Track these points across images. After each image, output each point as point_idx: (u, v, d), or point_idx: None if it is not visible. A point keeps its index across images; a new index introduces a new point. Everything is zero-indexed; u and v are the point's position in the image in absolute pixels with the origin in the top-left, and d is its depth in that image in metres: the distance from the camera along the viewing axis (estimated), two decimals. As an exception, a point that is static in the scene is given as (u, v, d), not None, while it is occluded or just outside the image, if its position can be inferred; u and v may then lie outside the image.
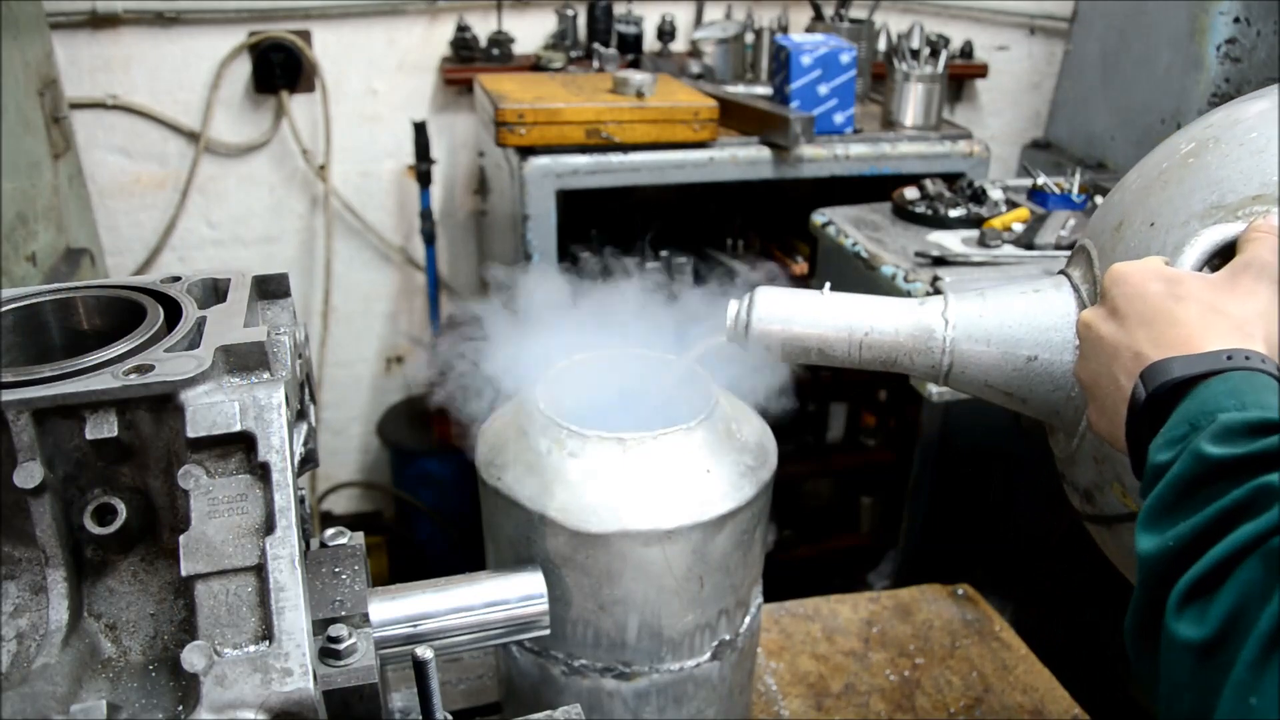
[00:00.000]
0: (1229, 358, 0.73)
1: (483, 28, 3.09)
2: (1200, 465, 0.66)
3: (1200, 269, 0.85)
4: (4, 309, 0.81)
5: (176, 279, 0.87)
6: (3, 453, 0.68)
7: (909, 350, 1.06)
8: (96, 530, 0.70)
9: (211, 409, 0.71)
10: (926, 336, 1.04)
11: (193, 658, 0.64)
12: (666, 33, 3.13)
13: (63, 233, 2.34)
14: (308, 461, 0.90)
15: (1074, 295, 1.00)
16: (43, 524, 0.69)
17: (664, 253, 2.83)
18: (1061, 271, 1.05)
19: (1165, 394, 0.74)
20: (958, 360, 1.03)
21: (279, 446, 0.71)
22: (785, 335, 1.10)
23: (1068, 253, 1.59)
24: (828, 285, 1.12)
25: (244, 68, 2.98)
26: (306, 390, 0.92)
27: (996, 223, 2.21)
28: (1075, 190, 2.38)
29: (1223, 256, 0.84)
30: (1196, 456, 0.66)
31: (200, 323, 0.79)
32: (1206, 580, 0.60)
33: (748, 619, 1.28)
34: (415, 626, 0.91)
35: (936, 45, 2.68)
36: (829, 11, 2.97)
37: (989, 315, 1.02)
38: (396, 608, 0.91)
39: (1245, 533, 0.60)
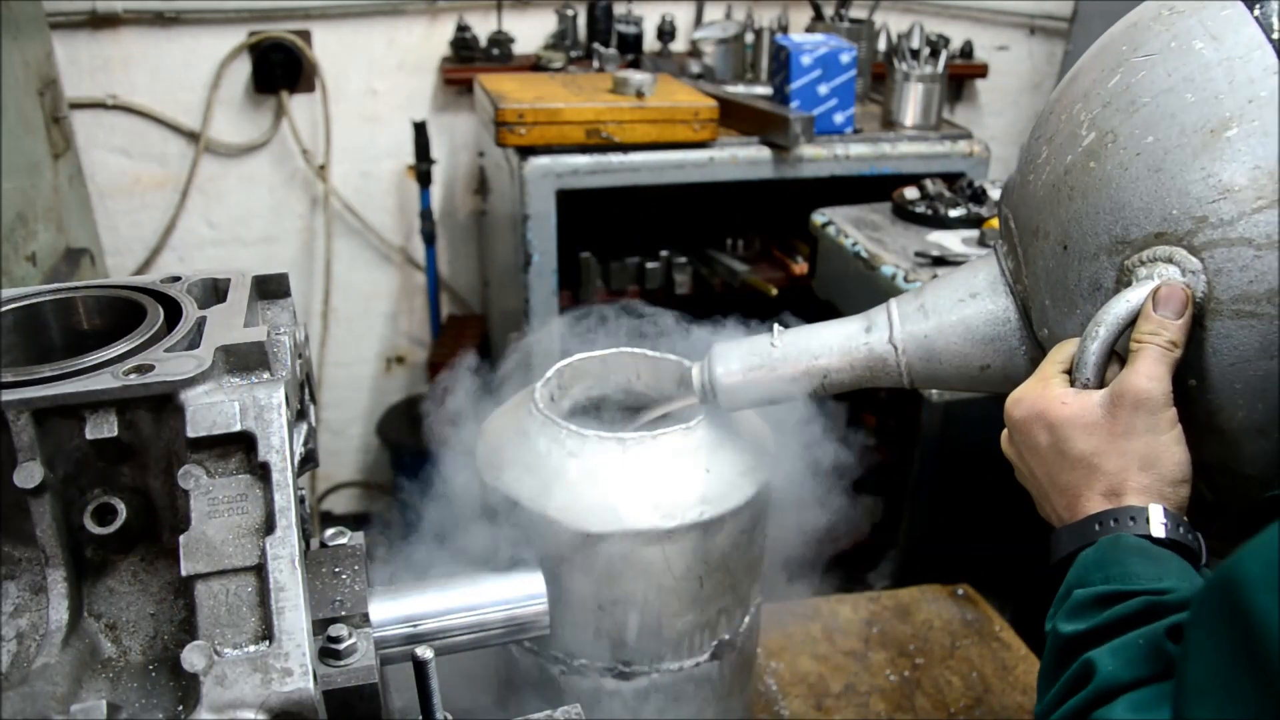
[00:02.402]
0: (1099, 525, 0.79)
1: (483, 28, 3.09)
2: (1057, 641, 0.75)
3: (1114, 340, 0.82)
4: (4, 309, 0.81)
5: (176, 279, 0.87)
6: (3, 453, 0.68)
7: (869, 379, 1.09)
8: (96, 530, 0.70)
9: (211, 409, 0.71)
10: (881, 365, 1.07)
11: (193, 658, 0.64)
12: (666, 33, 3.13)
13: (63, 233, 2.35)
14: (308, 461, 0.90)
15: (1009, 295, 0.99)
16: (43, 524, 0.69)
17: (664, 253, 2.83)
18: (993, 249, 1.03)
19: (1059, 565, 0.81)
20: (917, 378, 1.06)
21: (279, 446, 0.71)
22: (752, 393, 1.14)
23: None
24: (777, 328, 1.13)
25: (244, 68, 2.98)
26: (306, 390, 0.92)
27: (996, 223, 2.21)
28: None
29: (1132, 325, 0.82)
30: (1054, 633, 0.75)
31: (200, 323, 0.79)
32: None
33: (748, 619, 1.28)
34: (415, 626, 0.91)
35: (936, 45, 2.68)
36: (829, 11, 2.97)
37: (934, 335, 1.03)
38: (396, 608, 0.91)
39: (1071, 708, 0.69)
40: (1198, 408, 0.81)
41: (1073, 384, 0.84)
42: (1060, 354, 0.87)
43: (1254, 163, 0.74)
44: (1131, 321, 0.80)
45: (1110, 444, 0.79)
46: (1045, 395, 0.84)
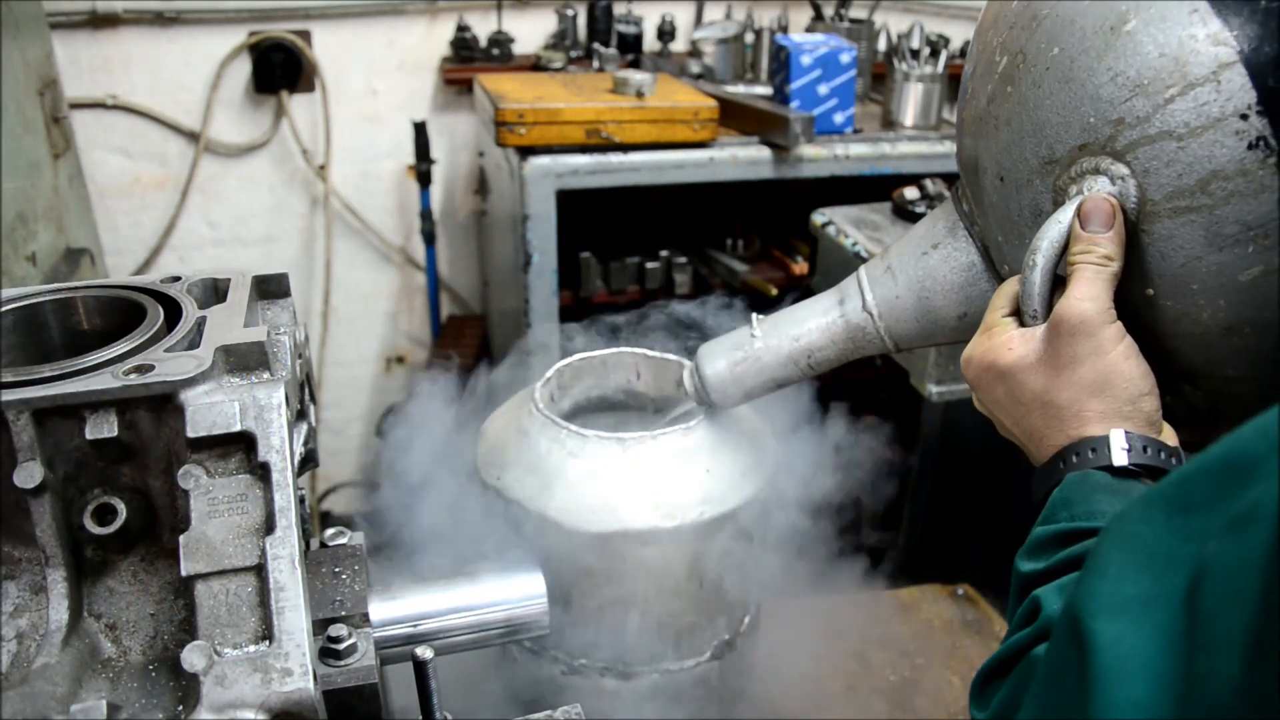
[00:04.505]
0: (1063, 462, 0.78)
1: (483, 28, 3.09)
2: (1017, 579, 0.75)
3: (1054, 265, 0.79)
4: (4, 309, 0.81)
5: (176, 279, 0.87)
6: (3, 453, 0.68)
7: (854, 351, 1.08)
8: (96, 530, 0.70)
9: (211, 409, 0.71)
10: (862, 335, 1.06)
11: (193, 658, 0.64)
12: (666, 33, 3.13)
13: (63, 233, 2.34)
14: (308, 461, 0.90)
15: (970, 238, 0.96)
16: (43, 524, 0.69)
17: (664, 253, 2.83)
18: (951, 193, 1.01)
19: (1039, 508, 0.81)
20: (900, 340, 1.04)
21: (279, 446, 0.71)
22: (744, 385, 1.13)
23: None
24: (755, 317, 1.13)
25: (244, 68, 2.98)
26: (306, 390, 0.92)
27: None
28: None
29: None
30: (1015, 571, 0.76)
31: (200, 323, 0.79)
32: (991, 674, 0.71)
33: (748, 619, 1.28)
34: (415, 626, 0.91)
35: (936, 45, 2.68)
36: (829, 11, 2.97)
37: (905, 294, 1.01)
38: (396, 608, 0.91)
39: (1016, 640, 0.69)
40: (1162, 316, 0.78)
41: (1023, 321, 0.82)
42: (1000, 298, 0.85)
43: (1157, 51, 0.71)
44: (1067, 242, 0.78)
45: (1058, 378, 0.78)
46: (991, 346, 0.82)
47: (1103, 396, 0.76)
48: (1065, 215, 0.77)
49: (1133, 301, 0.78)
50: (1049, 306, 0.79)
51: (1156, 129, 0.72)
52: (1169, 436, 0.79)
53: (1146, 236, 0.75)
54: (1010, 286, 0.84)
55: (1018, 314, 0.83)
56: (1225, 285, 0.73)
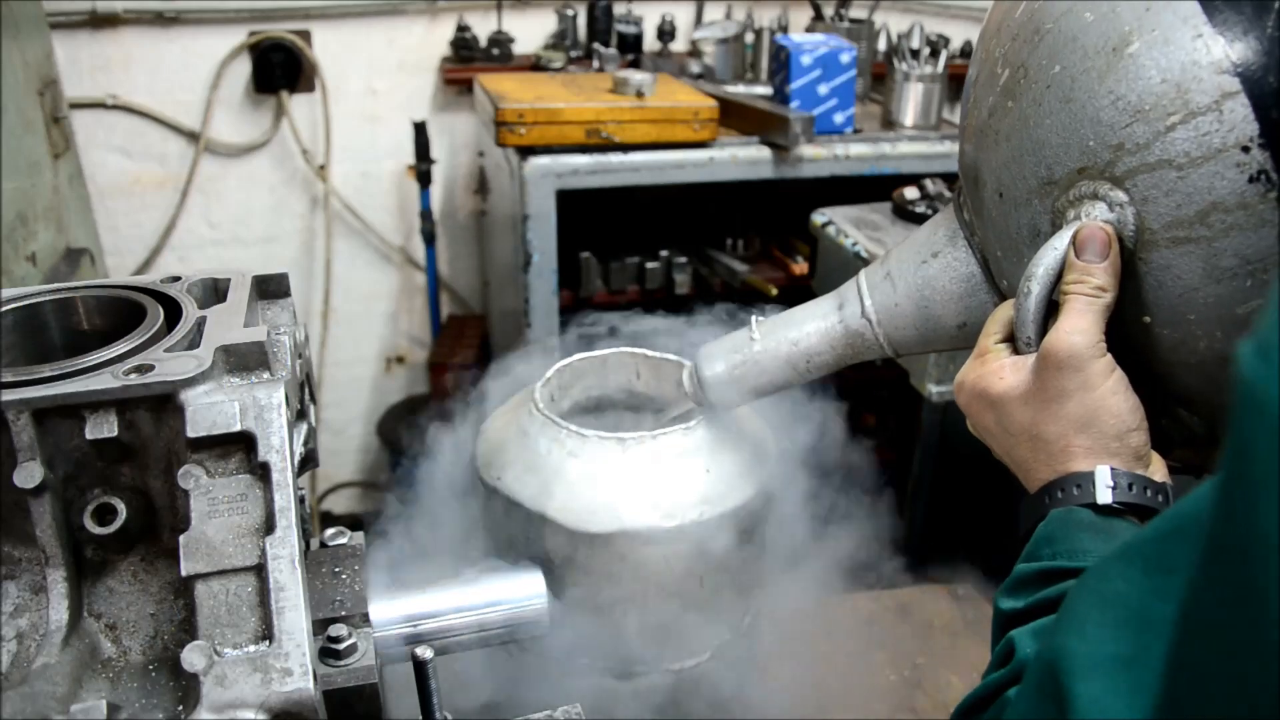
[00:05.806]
0: (1048, 497, 0.77)
1: (483, 28, 3.09)
2: (997, 617, 0.75)
3: (1049, 292, 0.78)
4: (4, 309, 0.81)
5: (176, 279, 0.87)
6: (3, 453, 0.68)
7: (851, 356, 1.07)
8: (96, 530, 0.70)
9: (211, 409, 0.71)
10: (859, 341, 1.05)
11: (193, 658, 0.64)
12: (666, 33, 3.14)
13: (63, 233, 2.34)
14: (308, 461, 0.90)
15: (970, 248, 0.95)
16: (43, 524, 0.69)
17: (664, 253, 2.83)
18: (953, 199, 0.99)
19: (1024, 540, 0.80)
20: (898, 346, 1.03)
21: (279, 446, 0.71)
22: (742, 388, 1.12)
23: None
24: (754, 319, 1.12)
25: (244, 68, 2.98)
26: (306, 390, 0.92)
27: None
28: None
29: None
30: (995, 608, 0.76)
31: (200, 323, 0.79)
32: (969, 711, 0.71)
33: (748, 619, 1.28)
34: (415, 626, 0.91)
35: (936, 45, 2.68)
36: (829, 11, 2.97)
37: (904, 301, 0.99)
38: (396, 608, 0.91)
39: (992, 680, 0.69)
40: (1158, 343, 0.77)
41: (1017, 347, 0.81)
42: (994, 323, 0.84)
43: (1159, 76, 0.69)
44: (1063, 269, 0.76)
45: (1045, 411, 0.76)
46: (984, 374, 0.81)
47: (1089, 432, 0.75)
48: (1061, 242, 0.76)
49: (1129, 327, 0.77)
50: (1043, 333, 0.78)
51: (1156, 157, 0.70)
52: (1158, 470, 0.78)
53: (1144, 265, 0.74)
54: (1004, 311, 0.84)
55: (1011, 339, 0.82)
56: (1223, 317, 0.72)
